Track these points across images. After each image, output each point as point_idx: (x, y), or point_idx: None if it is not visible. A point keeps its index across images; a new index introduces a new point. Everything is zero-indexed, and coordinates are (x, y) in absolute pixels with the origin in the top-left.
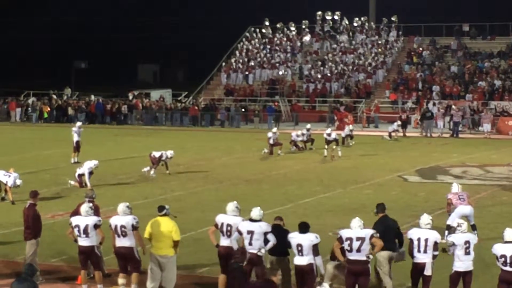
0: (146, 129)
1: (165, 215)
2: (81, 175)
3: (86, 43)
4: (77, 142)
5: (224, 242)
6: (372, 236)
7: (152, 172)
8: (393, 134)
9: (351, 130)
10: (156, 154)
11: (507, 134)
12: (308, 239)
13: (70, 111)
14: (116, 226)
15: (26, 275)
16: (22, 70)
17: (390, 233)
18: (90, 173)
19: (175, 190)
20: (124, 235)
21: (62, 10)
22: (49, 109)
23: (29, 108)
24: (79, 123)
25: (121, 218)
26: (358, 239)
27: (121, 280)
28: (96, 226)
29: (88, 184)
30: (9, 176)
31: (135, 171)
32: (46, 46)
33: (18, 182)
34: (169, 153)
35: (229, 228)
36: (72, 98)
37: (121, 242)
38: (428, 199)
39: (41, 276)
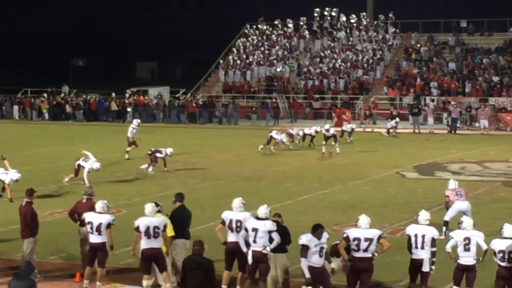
0: (144, 127)
1: (158, 211)
2: (80, 166)
3: (84, 40)
4: (132, 138)
5: (234, 238)
6: (380, 237)
7: (150, 169)
8: (391, 130)
9: (352, 129)
10: (156, 151)
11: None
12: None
13: (68, 108)
14: (148, 228)
15: (24, 273)
16: (19, 68)
17: (185, 222)
18: (88, 171)
19: (174, 187)
20: (156, 236)
21: (59, 7)
22: (47, 106)
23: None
24: (137, 121)
25: (153, 219)
26: (366, 239)
27: (146, 282)
28: (108, 226)
29: (86, 181)
30: (7, 173)
31: (133, 168)
32: (44, 43)
33: (16, 176)
34: (169, 150)
35: (238, 224)
36: (70, 95)
37: (150, 243)
38: (426, 196)
39: (39, 274)
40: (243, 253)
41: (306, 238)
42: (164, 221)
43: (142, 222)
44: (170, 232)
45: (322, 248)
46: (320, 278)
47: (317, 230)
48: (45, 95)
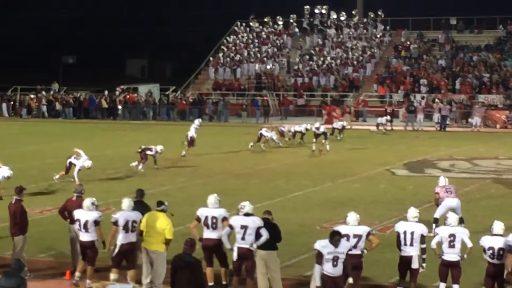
0: (134, 124)
1: (162, 210)
2: (72, 164)
3: (74, 38)
4: (192, 137)
5: (209, 234)
6: (369, 234)
7: (140, 167)
8: (380, 127)
9: (343, 126)
10: (146, 149)
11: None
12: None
13: (58, 106)
14: (127, 222)
15: (14, 271)
16: (9, 65)
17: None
18: (79, 169)
19: (164, 185)
20: (133, 230)
21: (49, 5)
22: (37, 103)
23: (17, 103)
24: (199, 120)
25: (131, 214)
26: (355, 236)
27: (113, 276)
28: (96, 223)
29: (76, 179)
30: None
31: (123, 166)
32: (34, 41)
33: (8, 173)
34: (159, 148)
35: (214, 220)
36: (60, 93)
37: (128, 238)
38: (416, 193)
39: (29, 271)
40: (220, 249)
41: (319, 244)
42: (141, 216)
43: (121, 216)
44: (169, 234)
45: (336, 257)
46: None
47: (333, 237)
48: (44, 92)
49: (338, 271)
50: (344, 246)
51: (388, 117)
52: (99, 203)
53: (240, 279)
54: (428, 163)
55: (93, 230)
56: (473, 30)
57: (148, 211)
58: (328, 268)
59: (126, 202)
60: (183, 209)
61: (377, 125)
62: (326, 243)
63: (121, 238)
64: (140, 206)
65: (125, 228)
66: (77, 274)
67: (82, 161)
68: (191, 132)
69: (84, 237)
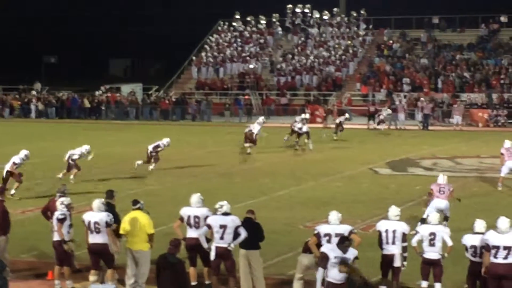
0: (117, 124)
1: (139, 209)
2: (71, 158)
3: (56, 37)
4: (256, 134)
5: (192, 234)
6: (351, 232)
7: (139, 165)
8: (380, 125)
9: (343, 120)
10: (151, 146)
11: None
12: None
13: (40, 106)
14: (89, 222)
15: None
16: None
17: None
18: (79, 156)
19: (149, 184)
20: (98, 231)
21: (31, 4)
22: (19, 103)
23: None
24: (263, 118)
25: (96, 214)
26: (337, 235)
27: (92, 277)
28: (59, 220)
29: (71, 178)
30: None
31: (107, 165)
32: (16, 40)
33: (24, 154)
34: (165, 141)
35: (197, 219)
36: (42, 93)
37: (94, 238)
38: (398, 191)
39: (11, 272)
40: (203, 248)
41: (327, 247)
42: (106, 218)
43: (85, 217)
44: (150, 229)
45: None
46: None
47: (343, 243)
48: (34, 93)
49: (343, 277)
50: (352, 253)
51: (389, 111)
52: (81, 204)
53: (219, 278)
54: (411, 162)
55: (61, 230)
56: (455, 29)
57: (114, 214)
58: (334, 274)
59: (96, 203)
60: (168, 209)
61: (379, 121)
62: (333, 247)
63: (89, 239)
64: (108, 207)
65: (89, 228)
66: (56, 282)
67: (79, 150)
68: (255, 130)
69: (55, 236)
